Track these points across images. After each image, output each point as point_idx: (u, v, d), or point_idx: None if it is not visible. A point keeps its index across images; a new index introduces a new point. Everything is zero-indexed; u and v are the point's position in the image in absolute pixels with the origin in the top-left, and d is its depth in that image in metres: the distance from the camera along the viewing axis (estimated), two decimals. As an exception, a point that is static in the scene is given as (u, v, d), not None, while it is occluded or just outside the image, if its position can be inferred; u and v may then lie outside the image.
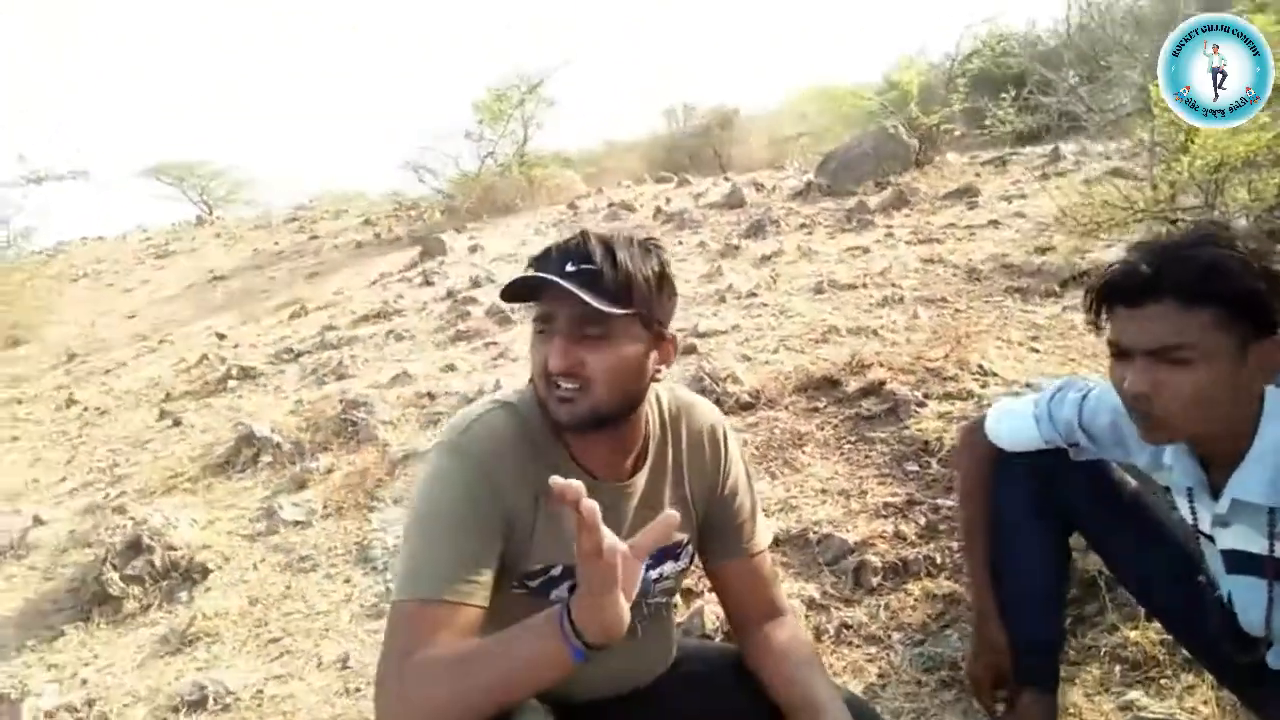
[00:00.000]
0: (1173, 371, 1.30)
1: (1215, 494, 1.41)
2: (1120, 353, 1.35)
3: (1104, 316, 1.39)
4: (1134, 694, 2.00)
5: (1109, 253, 4.96)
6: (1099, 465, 1.73)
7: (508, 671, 1.22)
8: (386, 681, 1.24)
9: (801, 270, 5.75)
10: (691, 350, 4.52)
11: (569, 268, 1.34)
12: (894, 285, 5.01)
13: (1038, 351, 3.90)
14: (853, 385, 3.52)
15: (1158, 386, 1.32)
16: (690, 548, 1.57)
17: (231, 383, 6.11)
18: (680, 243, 7.68)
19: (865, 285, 5.09)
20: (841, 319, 4.57)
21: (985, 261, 5.24)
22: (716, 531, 1.56)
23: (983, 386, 3.38)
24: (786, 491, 2.97)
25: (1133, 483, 1.73)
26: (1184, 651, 2.07)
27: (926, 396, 3.34)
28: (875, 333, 4.25)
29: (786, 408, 3.53)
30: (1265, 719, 1.66)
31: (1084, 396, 1.68)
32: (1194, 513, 1.49)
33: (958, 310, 4.59)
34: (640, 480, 1.48)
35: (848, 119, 12.96)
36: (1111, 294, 1.35)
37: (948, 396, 3.34)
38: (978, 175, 8.57)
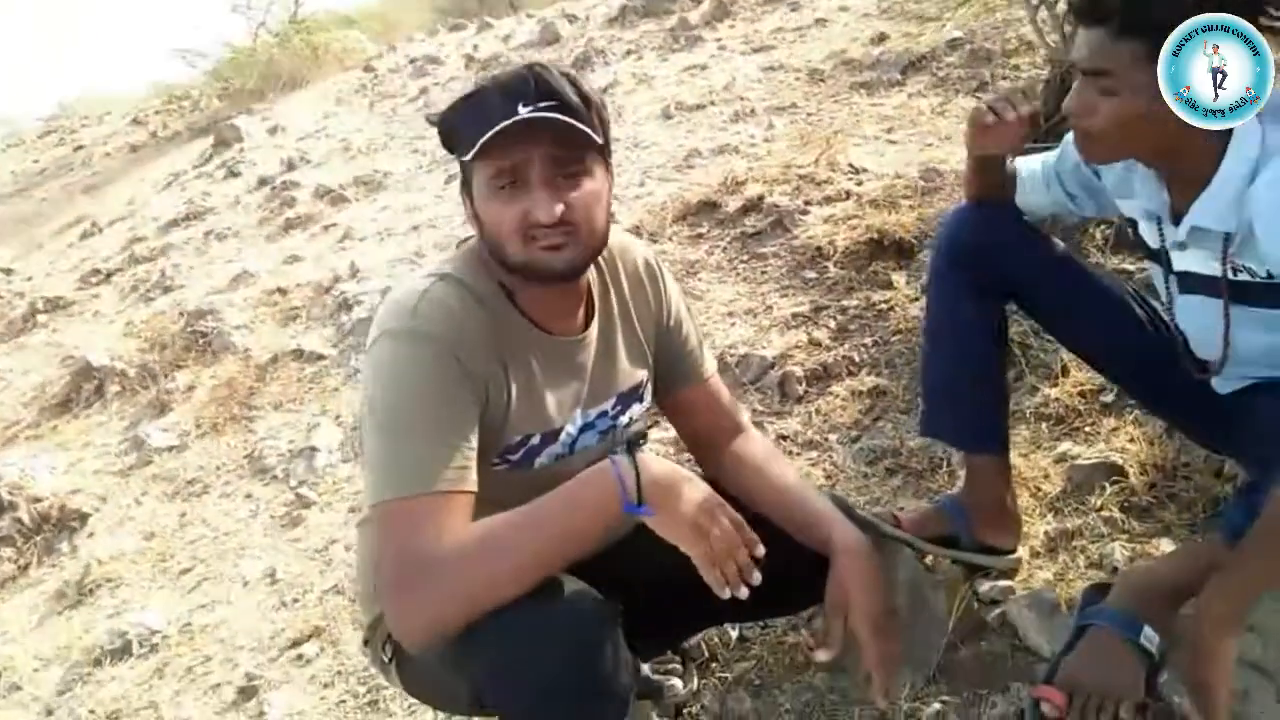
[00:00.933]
0: (1100, 98, 1.31)
1: (1176, 220, 1.43)
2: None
3: None
4: (1064, 445, 2.11)
5: (943, 33, 5.00)
6: (1037, 231, 1.74)
7: (545, 535, 1.16)
8: (400, 584, 1.15)
9: (643, 98, 5.56)
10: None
11: (541, 105, 1.21)
12: (741, 99, 4.91)
13: (895, 143, 3.93)
14: (732, 205, 3.47)
15: (1086, 108, 1.34)
16: (650, 385, 1.53)
17: (40, 317, 5.53)
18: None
19: (714, 103, 4.98)
20: (699, 141, 4.47)
21: (825, 61, 5.19)
22: (669, 364, 1.55)
23: (859, 185, 3.39)
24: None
25: (1062, 245, 1.75)
26: (1103, 398, 2.20)
27: (808, 203, 3.33)
28: (737, 150, 4.18)
29: (671, 238, 3.46)
30: (1207, 442, 1.77)
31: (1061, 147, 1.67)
32: (1161, 235, 1.50)
33: (810, 114, 4.56)
34: (594, 331, 1.43)
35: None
36: (1072, 10, 1.35)
37: (827, 200, 3.33)
38: (791, -25, 8.41)
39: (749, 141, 4.26)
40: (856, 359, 2.55)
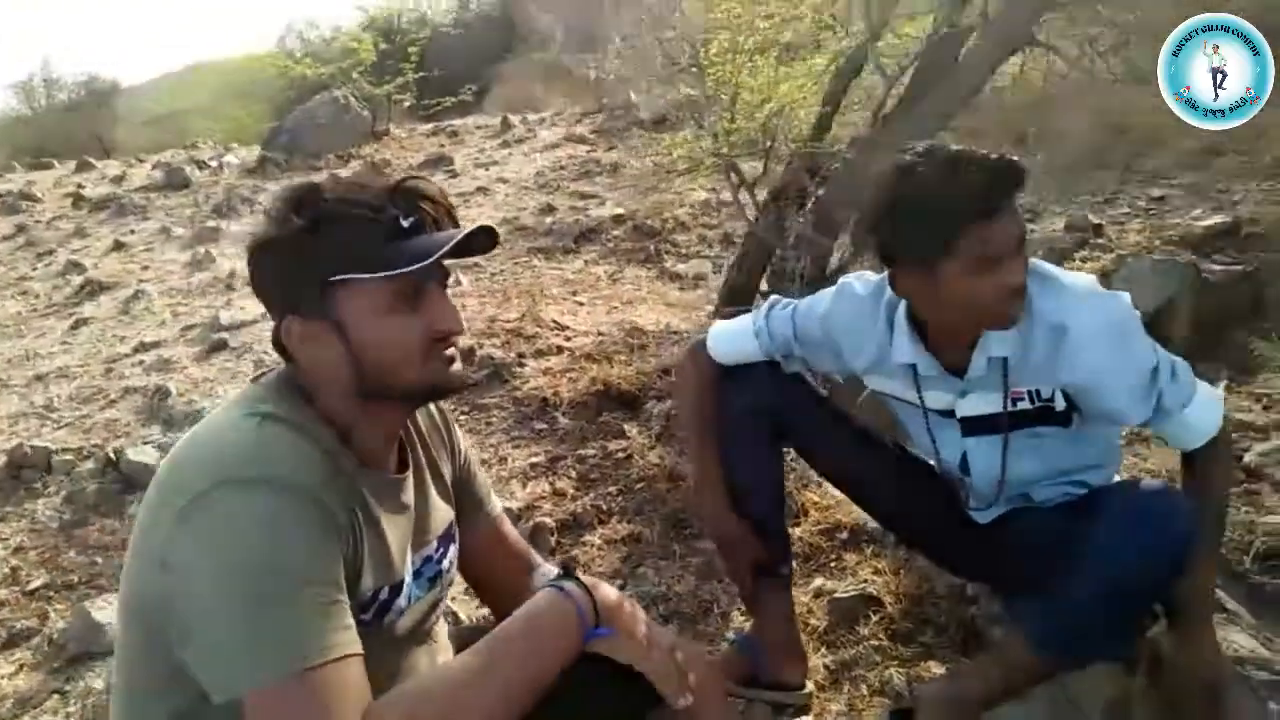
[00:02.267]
0: (1021, 261, 1.47)
1: (959, 373, 1.61)
2: (985, 264, 1.46)
3: (947, 245, 1.48)
4: (818, 581, 2.24)
5: (606, 209, 5.41)
6: (803, 381, 1.90)
7: (512, 678, 1.07)
8: None
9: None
10: (221, 347, 3.98)
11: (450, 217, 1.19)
12: (419, 255, 4.90)
13: (582, 304, 4.11)
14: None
15: (1024, 277, 1.48)
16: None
17: None
18: (132, 231, 6.66)
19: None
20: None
21: (499, 226, 5.36)
22: (465, 506, 1.46)
23: (568, 340, 3.48)
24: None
25: (825, 393, 1.93)
26: (839, 535, 2.39)
27: (521, 356, 3.34)
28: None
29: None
30: (960, 570, 1.98)
31: (793, 311, 1.81)
32: (921, 398, 1.69)
33: (494, 274, 4.65)
34: (409, 470, 1.32)
35: (243, 92, 12.33)
36: (968, 216, 1.44)
37: (540, 354, 3.38)
38: (442, 146, 8.70)
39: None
40: (605, 507, 2.56)
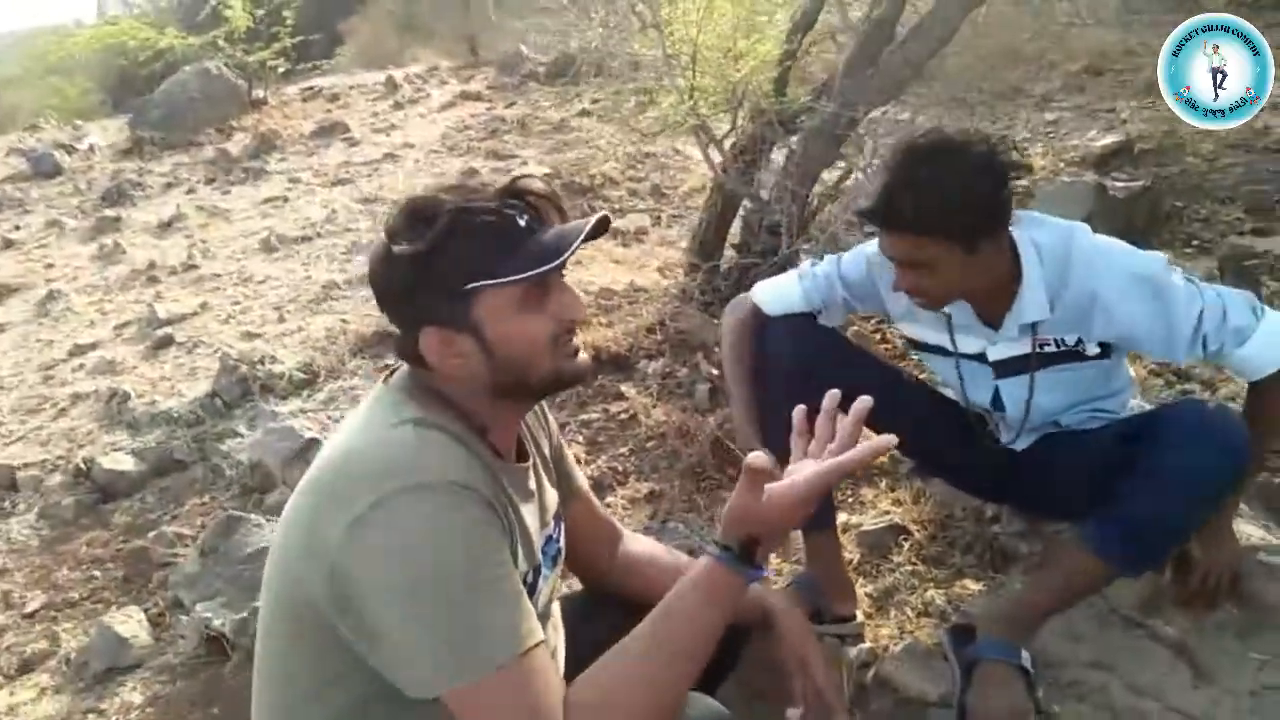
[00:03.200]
0: (920, 275, 1.63)
1: (994, 325, 1.76)
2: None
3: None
4: (842, 517, 2.39)
5: (530, 168, 5.38)
6: (837, 332, 2.02)
7: (694, 644, 1.12)
8: None
9: (227, 232, 5.15)
10: (168, 343, 3.84)
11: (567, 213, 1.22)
12: (349, 229, 4.79)
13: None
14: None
15: (916, 286, 1.65)
16: None
17: None
18: (16, 227, 6.25)
19: (320, 235, 4.78)
20: (326, 272, 4.27)
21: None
22: (562, 485, 1.52)
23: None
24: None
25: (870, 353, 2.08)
26: (857, 471, 2.52)
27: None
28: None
29: (355, 373, 3.25)
30: (988, 495, 2.14)
31: (838, 259, 1.94)
32: (954, 343, 1.84)
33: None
34: (530, 459, 1.38)
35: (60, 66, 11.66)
36: (870, 219, 1.62)
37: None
38: (328, 111, 8.40)
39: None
40: (620, 468, 2.64)
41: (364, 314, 3.61)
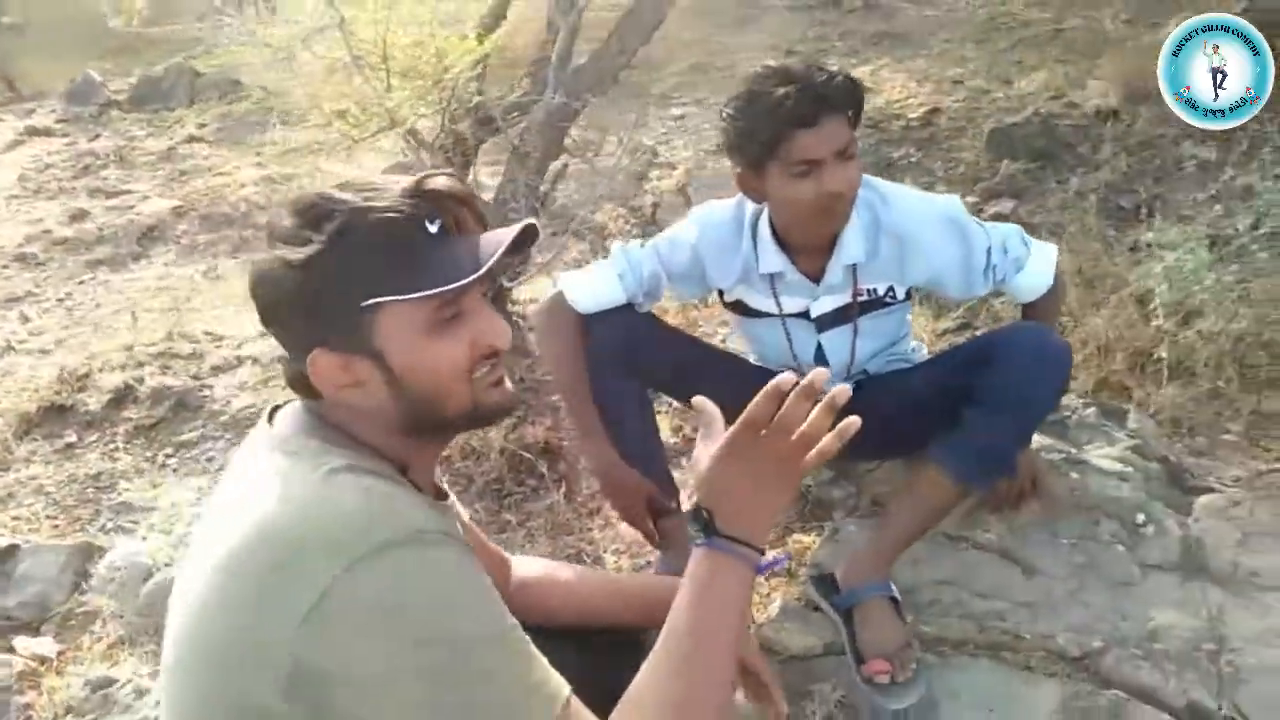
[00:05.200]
0: (849, 166, 1.68)
1: (815, 279, 1.85)
2: (807, 166, 1.64)
3: (769, 151, 1.65)
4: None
5: (151, 203, 4.73)
6: (655, 317, 2.02)
7: (725, 646, 1.02)
8: None
9: None
10: None
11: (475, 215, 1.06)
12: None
13: (218, 308, 3.66)
14: (94, 401, 2.82)
15: (852, 180, 1.69)
16: None
17: None
18: None
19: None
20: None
21: (31, 243, 4.45)
22: None
23: (239, 348, 3.10)
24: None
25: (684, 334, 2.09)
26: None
27: (198, 378, 2.92)
28: (14, 348, 3.36)
29: (30, 460, 2.66)
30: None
31: (654, 248, 1.92)
32: (779, 304, 1.91)
33: (60, 300, 3.89)
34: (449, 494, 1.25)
35: None
36: (789, 122, 1.62)
37: (218, 369, 2.98)
38: None
39: (18, 338, 3.46)
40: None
41: (22, 389, 2.96)
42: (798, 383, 1.01)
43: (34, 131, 6.68)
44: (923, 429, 1.88)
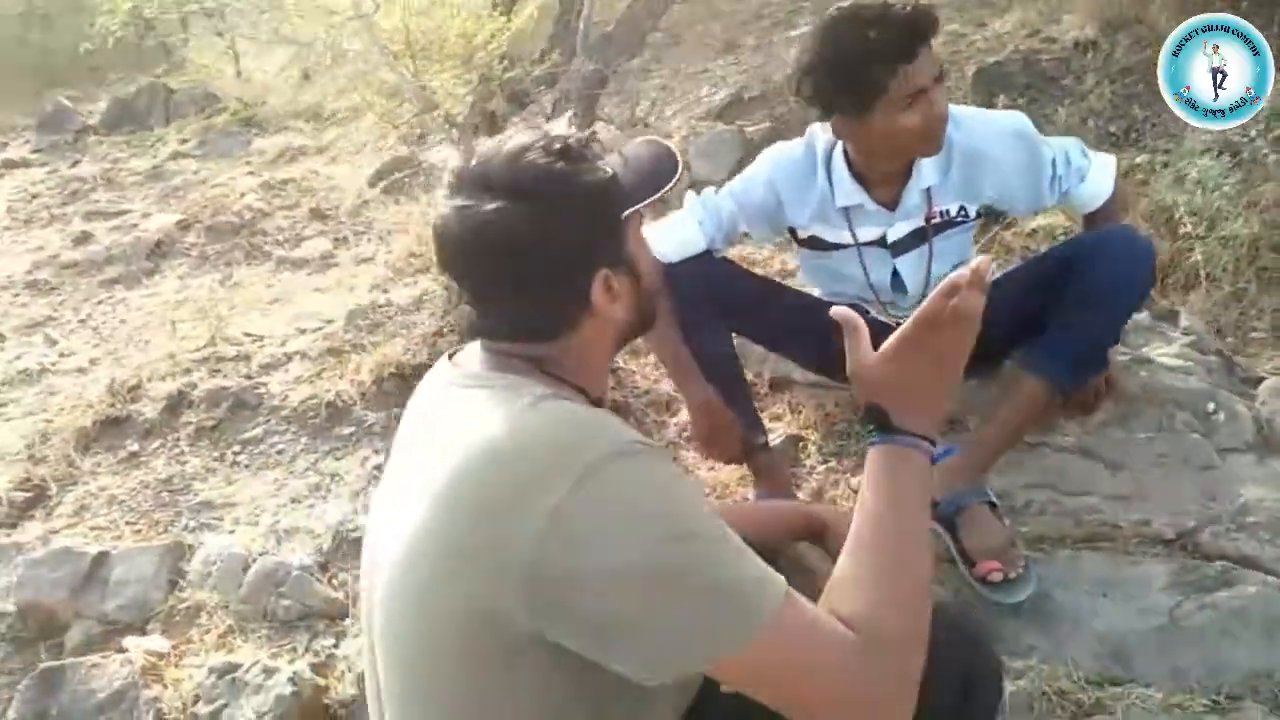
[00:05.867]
0: (943, 89, 1.73)
1: (890, 207, 1.90)
2: (912, 98, 1.69)
3: (876, 92, 1.69)
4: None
5: (154, 219, 4.71)
6: (732, 262, 2.09)
7: (919, 537, 1.01)
8: (853, 669, 0.90)
9: None
10: None
11: None
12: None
13: (244, 313, 3.66)
14: (149, 410, 2.83)
15: (947, 102, 1.75)
16: None
17: None
18: None
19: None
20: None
21: (38, 270, 4.41)
22: None
23: (284, 345, 3.12)
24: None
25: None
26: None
27: (250, 377, 2.93)
28: (50, 370, 3.36)
29: (95, 473, 2.67)
30: None
31: (729, 190, 1.98)
32: (855, 234, 1.96)
33: (84, 319, 3.88)
34: None
35: None
36: (892, 59, 1.66)
37: (267, 368, 2.99)
38: None
39: (50, 360, 3.45)
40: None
41: (74, 405, 2.96)
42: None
43: (11, 164, 6.58)
44: (1003, 342, 1.95)
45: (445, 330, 2.88)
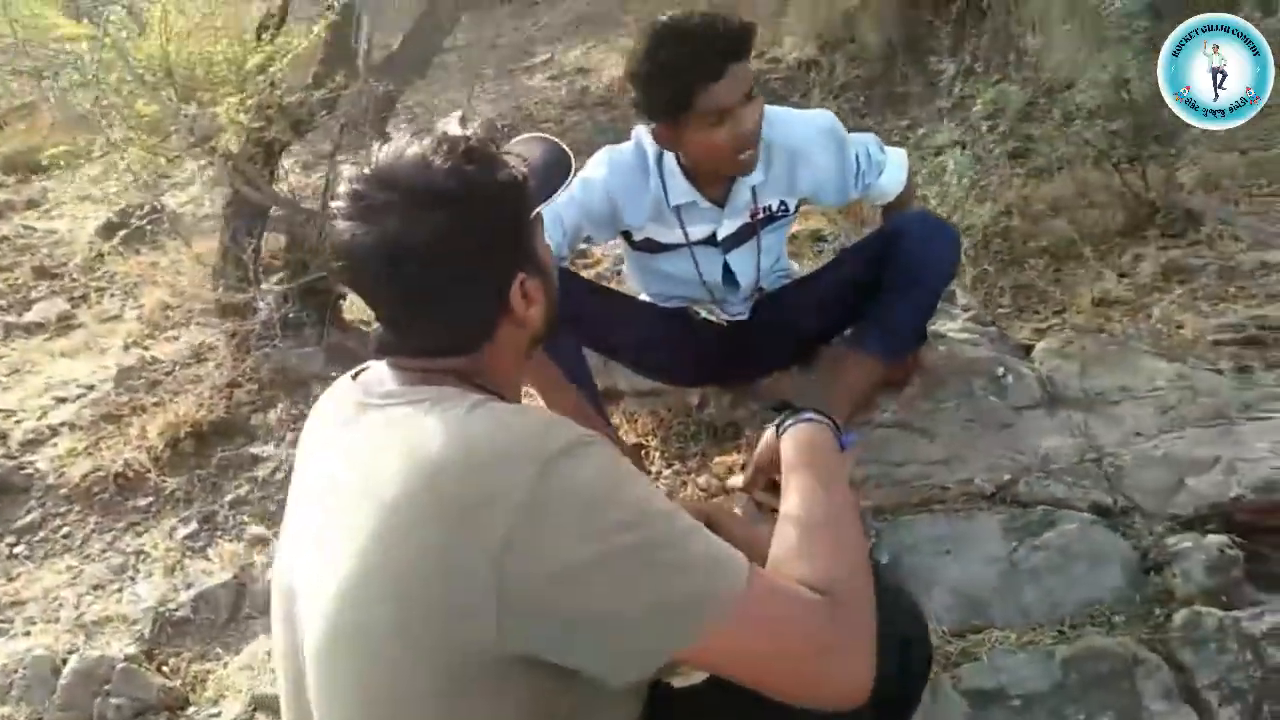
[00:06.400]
0: (755, 105, 1.81)
1: (720, 204, 1.98)
2: (720, 115, 1.76)
3: (684, 107, 1.75)
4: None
5: None
6: (575, 274, 2.10)
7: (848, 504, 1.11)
8: (825, 625, 0.93)
9: None
10: None
11: None
12: None
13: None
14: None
15: (758, 118, 1.82)
16: None
17: None
18: None
19: None
20: None
21: None
22: None
23: (43, 419, 2.77)
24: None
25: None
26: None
27: (11, 457, 2.58)
28: None
29: None
30: (745, 371, 2.34)
31: (570, 196, 1.96)
32: (686, 234, 2.03)
33: None
34: None
35: None
36: (699, 77, 1.72)
37: (30, 444, 2.65)
38: None
39: None
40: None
41: None
42: None
43: None
44: (827, 328, 2.09)
45: (241, 380, 2.67)
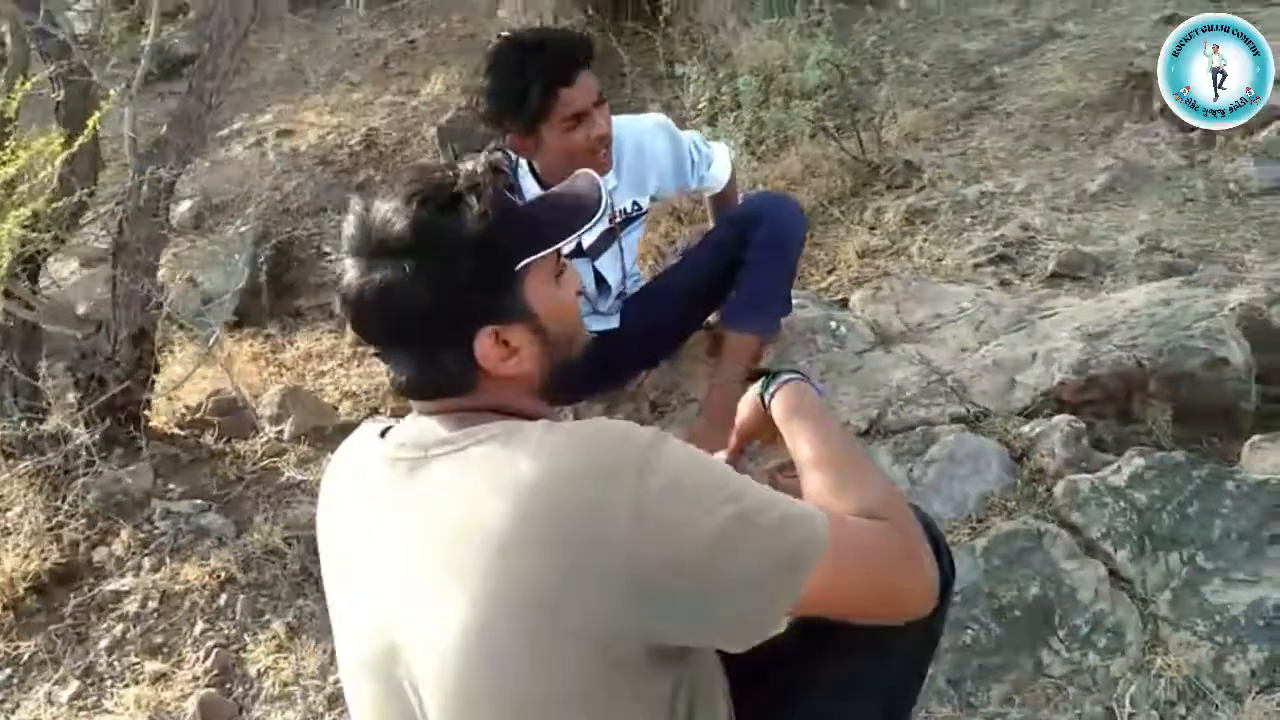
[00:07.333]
0: (604, 109, 1.91)
1: None
2: (575, 119, 1.84)
3: (540, 113, 1.82)
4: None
5: None
6: None
7: (855, 446, 1.29)
8: (899, 540, 1.05)
9: None
10: None
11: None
12: None
13: None
14: None
15: (608, 122, 1.93)
16: None
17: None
18: None
19: None
20: None
21: None
22: None
23: None
24: None
25: None
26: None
27: None
28: None
29: None
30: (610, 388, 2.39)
31: None
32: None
33: None
34: None
35: None
36: (552, 82, 1.80)
37: None
38: None
39: None
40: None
41: None
42: None
43: None
44: (694, 317, 2.24)
45: (64, 519, 2.37)
